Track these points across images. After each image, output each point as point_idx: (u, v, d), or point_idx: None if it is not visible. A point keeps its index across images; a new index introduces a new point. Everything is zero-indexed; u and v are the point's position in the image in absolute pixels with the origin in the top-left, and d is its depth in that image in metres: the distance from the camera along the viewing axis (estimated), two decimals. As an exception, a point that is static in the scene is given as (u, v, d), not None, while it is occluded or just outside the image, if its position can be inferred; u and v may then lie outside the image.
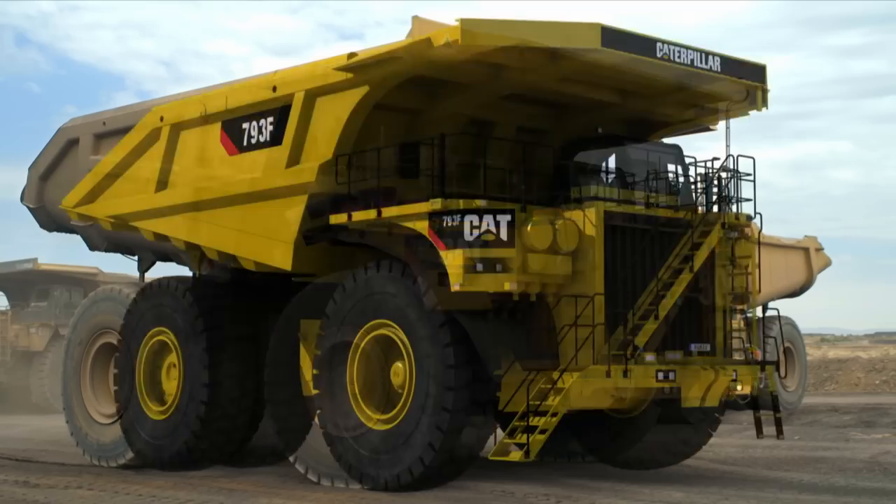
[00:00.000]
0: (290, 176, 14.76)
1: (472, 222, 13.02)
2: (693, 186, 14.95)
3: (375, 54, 13.59)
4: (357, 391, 14.04)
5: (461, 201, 13.18)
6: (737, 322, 15.13)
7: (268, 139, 15.18)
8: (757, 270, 14.82)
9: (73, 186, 18.52)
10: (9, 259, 39.17)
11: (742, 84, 14.46)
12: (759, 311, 15.62)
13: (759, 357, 14.82)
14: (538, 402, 12.74)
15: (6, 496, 14.06)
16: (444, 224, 13.14)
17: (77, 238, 20.78)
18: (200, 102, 16.26)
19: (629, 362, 13.06)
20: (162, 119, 16.76)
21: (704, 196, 14.66)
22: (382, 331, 13.86)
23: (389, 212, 13.69)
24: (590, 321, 12.95)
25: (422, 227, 13.36)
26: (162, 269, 20.55)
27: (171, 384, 16.76)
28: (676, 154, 15.11)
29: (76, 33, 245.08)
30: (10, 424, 27.95)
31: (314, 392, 14.48)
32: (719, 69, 13.98)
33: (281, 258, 14.87)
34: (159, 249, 19.10)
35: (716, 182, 14.57)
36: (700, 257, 13.87)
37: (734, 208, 14.58)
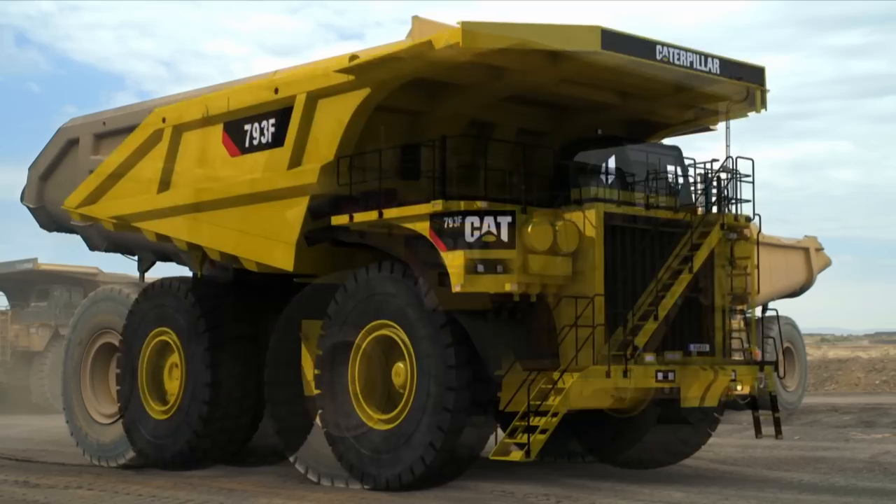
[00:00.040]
0: (291, 177, 14.81)
1: (472, 224, 13.08)
2: (692, 188, 15.01)
3: (377, 56, 13.65)
4: (358, 391, 14.09)
5: (462, 203, 13.24)
6: (737, 322, 15.19)
7: (270, 141, 15.23)
8: (756, 271, 14.88)
9: (73, 186, 18.57)
10: (9, 259, 39.27)
11: (741, 86, 14.52)
12: (758, 312, 15.69)
13: (759, 357, 14.87)
14: (539, 403, 12.80)
15: (6, 496, 14.09)
16: (446, 225, 13.21)
17: (77, 238, 20.82)
18: (202, 104, 16.30)
19: (629, 363, 13.12)
20: (164, 120, 16.81)
21: (704, 197, 14.72)
22: (384, 331, 13.91)
23: (391, 213, 13.75)
24: (590, 322, 13.01)
25: (423, 228, 13.42)
26: (162, 269, 20.61)
27: (173, 384, 16.81)
28: (676, 155, 15.17)
29: (76, 33, 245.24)
30: (10, 424, 27.98)
31: (316, 392, 14.54)
32: (718, 71, 14.05)
33: (283, 259, 14.92)
34: (159, 249, 19.13)
35: (715, 183, 14.63)
36: (699, 258, 13.93)
37: (733, 209, 14.65)
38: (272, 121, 15.16)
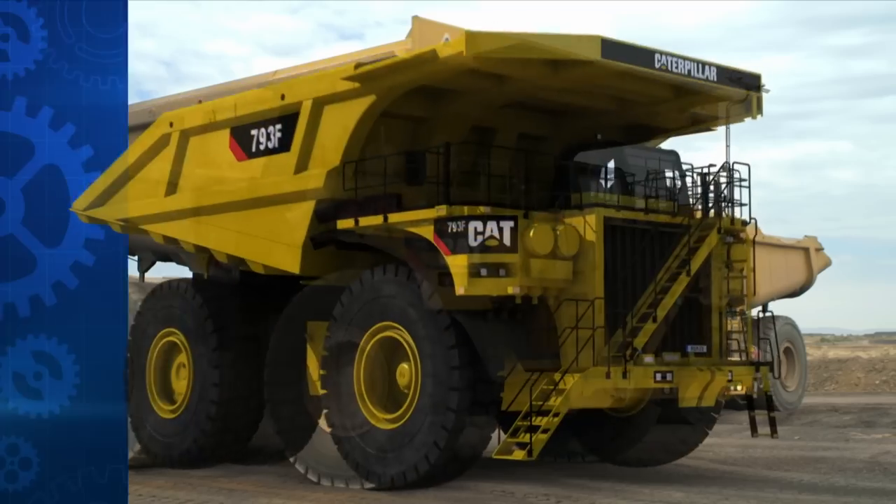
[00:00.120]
0: (298, 182, 14.99)
1: (476, 228, 13.28)
2: (690, 192, 15.25)
3: (382, 65, 13.90)
4: (364, 391, 14.27)
5: (465, 208, 13.46)
6: (736, 323, 15.42)
7: (276, 146, 15.39)
8: (752, 274, 15.11)
9: (73, 186, 18.72)
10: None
11: (737, 93, 14.80)
12: (757, 312, 15.90)
13: (756, 357, 15.07)
14: (540, 403, 13.01)
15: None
16: (449, 230, 13.42)
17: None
18: (210, 109, 16.50)
19: (628, 364, 13.32)
20: (171, 125, 17.01)
21: (701, 201, 14.95)
22: (388, 332, 14.10)
23: (396, 217, 13.97)
24: (590, 324, 13.22)
25: (427, 232, 13.64)
26: (162, 269, 20.72)
27: (180, 384, 17.07)
28: (674, 160, 15.42)
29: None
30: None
31: (322, 392, 14.76)
32: (715, 79, 14.32)
33: (290, 261, 15.11)
34: (160, 250, 19.25)
35: (712, 188, 14.87)
36: (697, 261, 14.16)
37: (730, 213, 14.88)
38: (279, 126, 15.32)
